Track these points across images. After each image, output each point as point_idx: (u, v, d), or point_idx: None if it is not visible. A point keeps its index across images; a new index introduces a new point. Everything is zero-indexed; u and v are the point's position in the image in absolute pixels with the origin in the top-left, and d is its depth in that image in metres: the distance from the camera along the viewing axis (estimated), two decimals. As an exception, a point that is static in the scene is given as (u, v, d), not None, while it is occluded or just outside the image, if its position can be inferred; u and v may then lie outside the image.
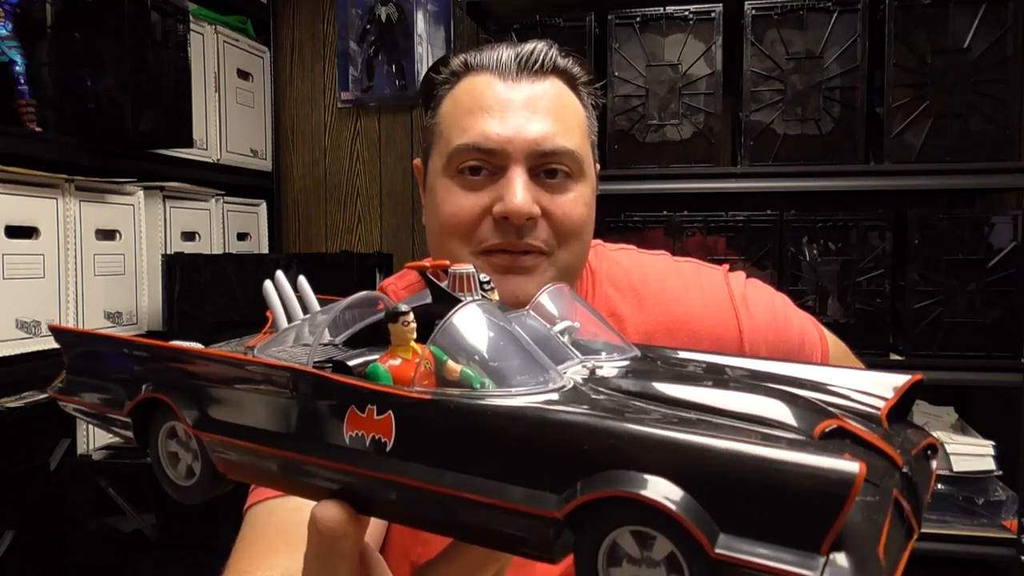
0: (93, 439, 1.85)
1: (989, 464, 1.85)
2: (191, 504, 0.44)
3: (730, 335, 0.95)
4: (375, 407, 0.36)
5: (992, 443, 1.86)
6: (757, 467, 0.28)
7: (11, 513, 1.65)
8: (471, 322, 0.37)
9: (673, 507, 0.28)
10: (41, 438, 1.78)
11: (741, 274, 1.03)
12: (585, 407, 0.34)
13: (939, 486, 1.87)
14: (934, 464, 0.39)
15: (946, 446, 1.86)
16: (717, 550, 0.28)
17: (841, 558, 0.27)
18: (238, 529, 0.75)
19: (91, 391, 0.47)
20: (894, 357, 1.92)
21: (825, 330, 1.06)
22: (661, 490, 0.29)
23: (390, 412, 0.35)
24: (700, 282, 0.99)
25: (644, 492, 0.29)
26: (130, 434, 0.45)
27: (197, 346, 0.46)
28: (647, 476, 0.29)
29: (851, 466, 0.26)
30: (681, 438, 0.29)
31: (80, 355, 0.49)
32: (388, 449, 0.35)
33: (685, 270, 1.02)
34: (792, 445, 0.29)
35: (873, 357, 1.88)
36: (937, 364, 1.86)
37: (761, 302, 0.99)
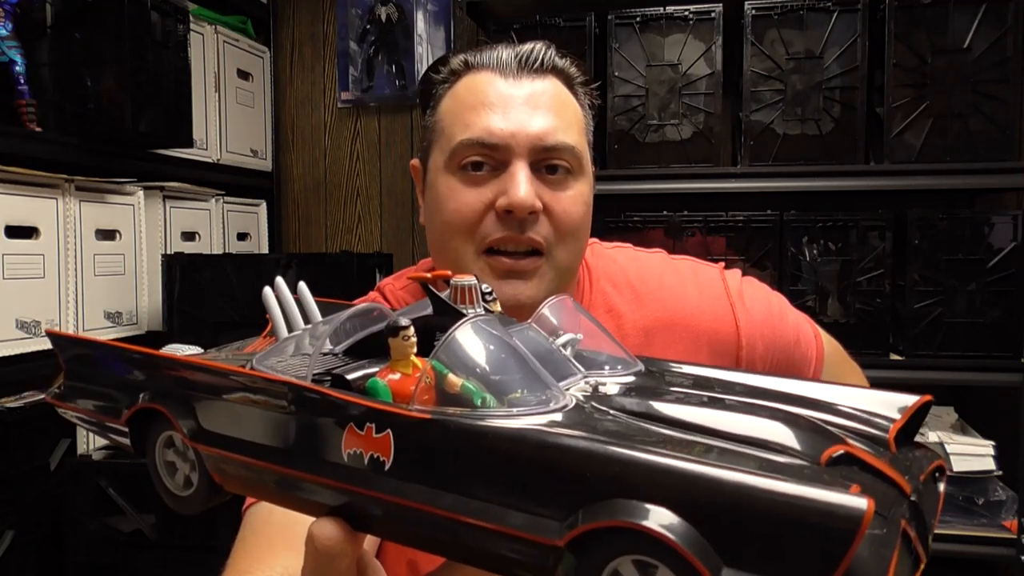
0: (93, 439, 1.85)
1: (989, 464, 1.85)
2: (188, 514, 0.44)
3: (727, 331, 0.96)
4: (374, 425, 0.35)
5: (992, 443, 1.86)
6: (763, 500, 0.27)
7: (11, 513, 1.66)
8: (473, 337, 0.37)
9: (676, 539, 0.28)
10: (41, 438, 1.78)
11: (737, 271, 1.04)
12: (588, 430, 0.33)
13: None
14: (942, 487, 0.39)
15: (946, 446, 1.86)
16: None
17: None
18: (238, 529, 0.75)
19: (88, 398, 0.47)
20: (894, 357, 1.92)
21: (820, 330, 1.06)
22: (664, 521, 0.28)
23: (389, 431, 0.35)
24: (696, 279, 1.00)
25: (646, 523, 0.28)
26: (127, 442, 0.45)
27: (195, 350, 0.46)
28: (650, 506, 0.29)
29: (860, 503, 0.26)
30: (686, 468, 0.29)
31: (77, 360, 0.49)
32: (386, 468, 0.35)
33: (681, 267, 1.02)
34: (799, 477, 0.28)
35: (873, 357, 1.88)
36: (937, 364, 1.86)
37: (757, 299, 1.00)
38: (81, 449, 1.84)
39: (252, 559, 0.68)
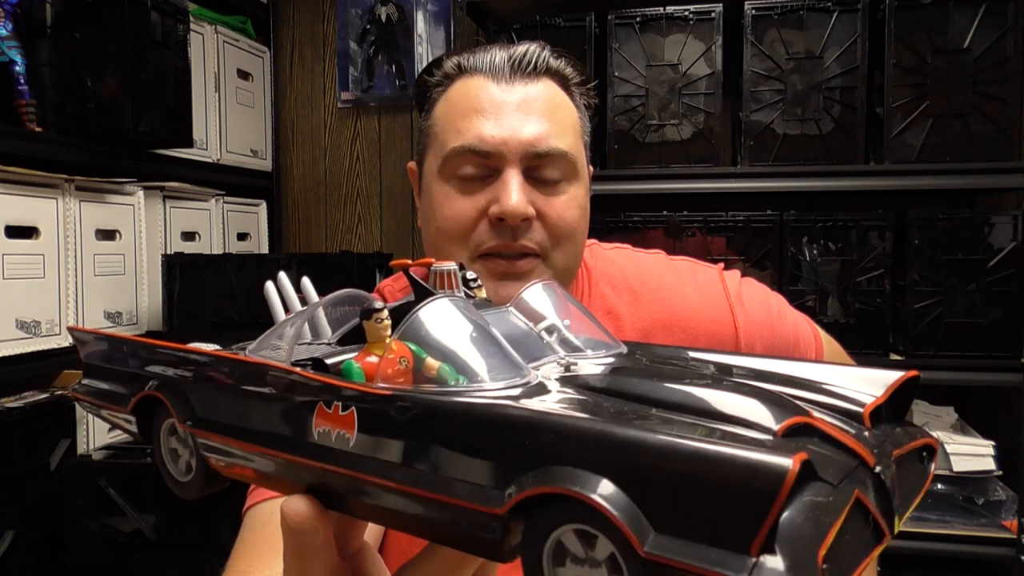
0: (93, 439, 1.85)
1: (989, 464, 1.85)
2: (190, 499, 0.45)
3: (726, 331, 0.95)
4: (340, 403, 0.36)
5: (992, 443, 1.86)
6: (687, 462, 0.27)
7: (11, 513, 1.65)
8: (437, 316, 0.37)
9: (605, 504, 0.27)
10: (41, 438, 1.78)
11: (736, 272, 1.04)
12: (535, 402, 0.33)
13: (939, 486, 1.87)
14: (932, 466, 0.38)
15: (946, 446, 1.86)
16: (646, 549, 0.27)
17: (773, 560, 0.25)
18: (238, 530, 0.75)
19: (104, 391, 0.49)
20: (894, 357, 1.92)
21: (820, 330, 1.06)
22: (595, 487, 0.28)
23: (353, 408, 0.36)
24: (695, 279, 0.99)
25: (578, 489, 0.28)
26: (137, 431, 0.46)
27: (212, 347, 0.47)
28: (585, 473, 0.28)
29: (784, 462, 0.25)
30: (614, 432, 0.28)
31: (95, 355, 0.50)
32: (351, 445, 0.35)
33: (680, 268, 1.02)
34: (731, 441, 0.27)
35: (873, 357, 1.88)
36: (937, 364, 1.86)
37: (756, 299, 1.00)
38: (81, 449, 1.84)
39: (252, 559, 0.68)
